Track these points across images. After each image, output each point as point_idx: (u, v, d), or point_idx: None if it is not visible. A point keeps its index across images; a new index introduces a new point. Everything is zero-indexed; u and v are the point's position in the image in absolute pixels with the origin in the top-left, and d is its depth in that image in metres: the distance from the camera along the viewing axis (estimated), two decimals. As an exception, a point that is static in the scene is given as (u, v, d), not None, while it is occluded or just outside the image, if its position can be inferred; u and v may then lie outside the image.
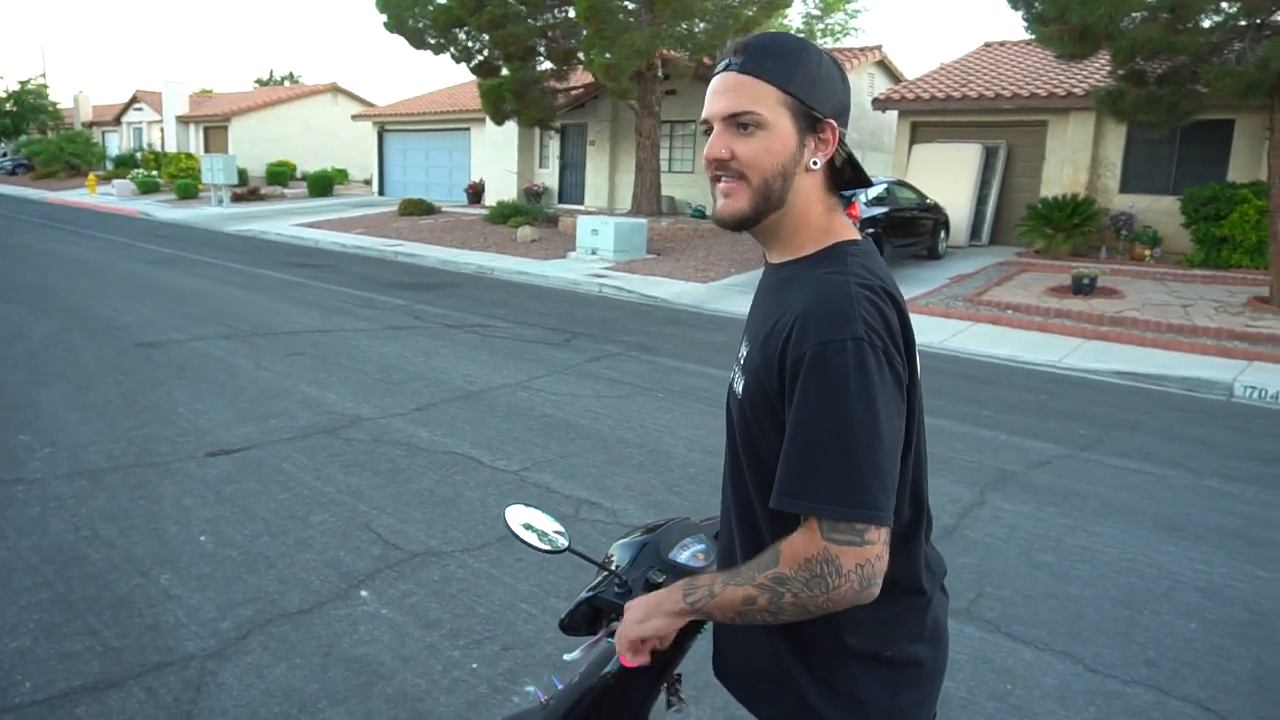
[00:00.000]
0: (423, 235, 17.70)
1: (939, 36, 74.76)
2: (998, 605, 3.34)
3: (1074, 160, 14.54)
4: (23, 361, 6.52)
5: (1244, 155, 13.27)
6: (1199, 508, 4.49)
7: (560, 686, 1.47)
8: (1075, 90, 14.15)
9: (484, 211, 20.58)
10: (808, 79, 1.13)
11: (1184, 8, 9.32)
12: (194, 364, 6.62)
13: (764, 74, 1.12)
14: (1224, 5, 9.60)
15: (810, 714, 1.18)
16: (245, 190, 26.06)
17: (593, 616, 1.39)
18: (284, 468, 4.51)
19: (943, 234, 14.05)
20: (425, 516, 3.98)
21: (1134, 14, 9.69)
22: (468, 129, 25.23)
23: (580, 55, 16.79)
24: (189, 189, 25.92)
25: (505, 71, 18.02)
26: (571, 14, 16.49)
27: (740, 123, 1.13)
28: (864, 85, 20.32)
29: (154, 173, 29.75)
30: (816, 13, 32.65)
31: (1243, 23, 9.63)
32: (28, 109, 41.84)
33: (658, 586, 1.34)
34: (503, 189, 23.43)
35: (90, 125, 43.04)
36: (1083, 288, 10.71)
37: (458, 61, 18.48)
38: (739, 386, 1.20)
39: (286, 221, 20.38)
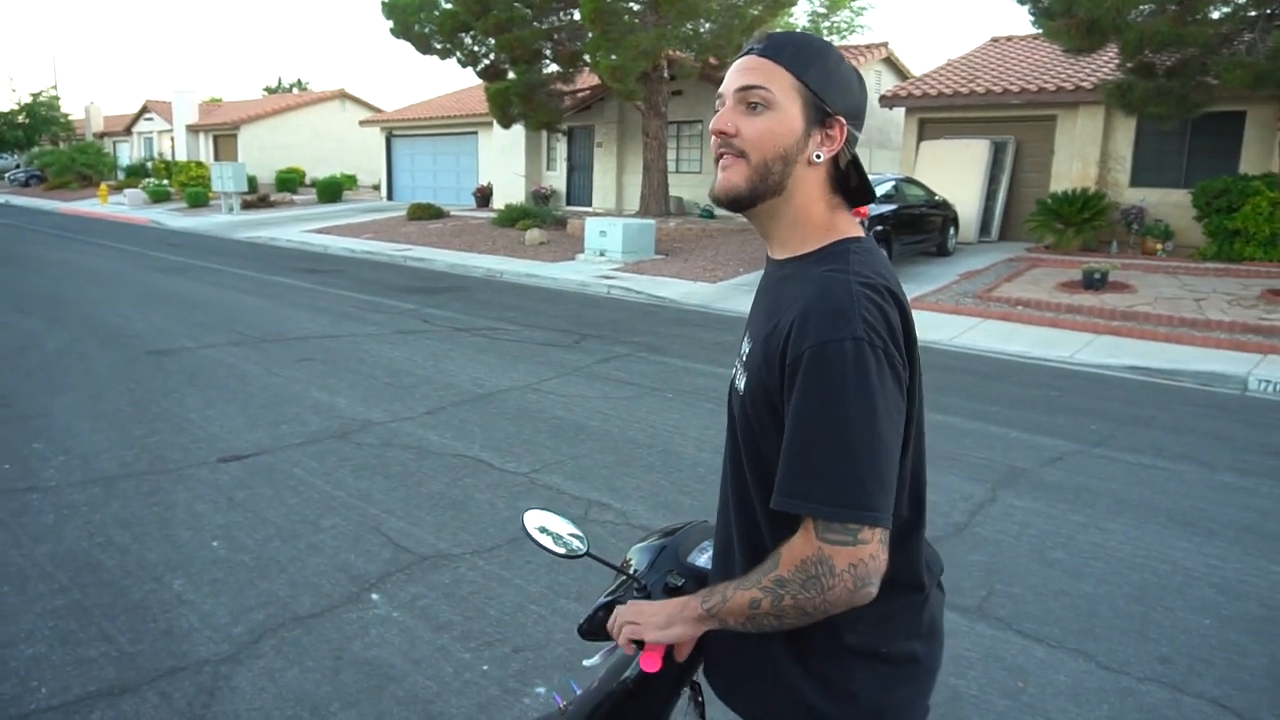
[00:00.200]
0: (431, 239, 17.77)
1: (945, 33, 74.54)
2: (1009, 603, 3.32)
3: (1083, 154, 14.45)
4: (36, 371, 6.58)
5: (1256, 147, 13.16)
6: (1213, 503, 4.46)
7: (579, 691, 1.47)
8: (1084, 84, 14.07)
9: (492, 215, 20.63)
10: (823, 72, 1.15)
11: (1192, -1, 9.28)
12: (205, 371, 6.67)
13: (781, 59, 1.14)
14: (1233, -4, 9.56)
15: (805, 709, 1.18)
16: (255, 197, 26.24)
17: None
18: (295, 473, 4.54)
19: (952, 230, 13.98)
20: (435, 519, 3.99)
21: (1142, 6, 9.64)
22: (475, 133, 25.31)
23: (586, 57, 16.83)
24: (199, 197, 26.11)
25: (511, 75, 18.08)
26: (577, 16, 16.51)
27: (750, 100, 1.14)
28: (871, 82, 20.27)
29: (165, 182, 30.00)
30: (822, 11, 32.54)
31: (1252, 13, 9.56)
32: (40, 121, 42.21)
33: (677, 590, 1.34)
34: (510, 192, 23.49)
35: (101, 136, 43.41)
36: (1094, 282, 10.64)
37: (464, 66, 18.57)
38: (741, 383, 1.20)
39: (296, 228, 20.49)
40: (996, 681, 2.79)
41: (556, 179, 23.87)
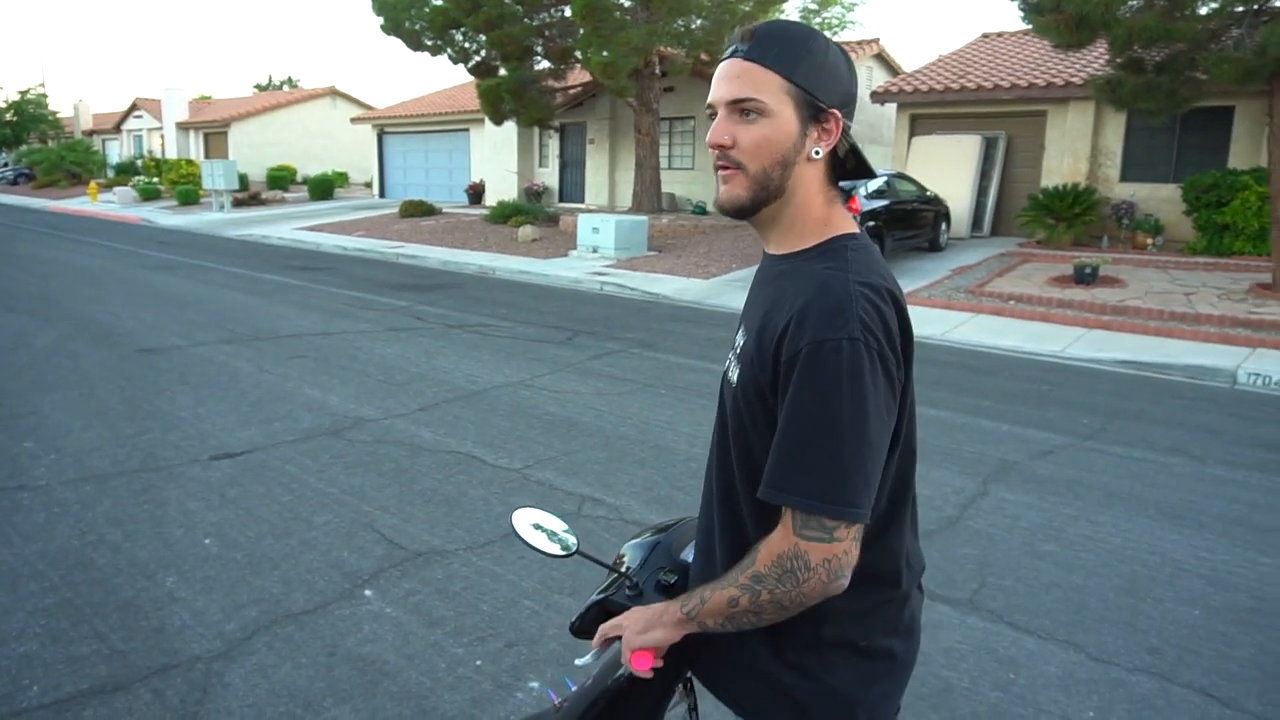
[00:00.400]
0: (424, 236, 17.72)
1: (936, 28, 74.64)
2: (1000, 595, 3.34)
3: (1074, 150, 14.50)
4: (26, 369, 6.54)
5: (1244, 142, 13.23)
6: (1202, 495, 4.49)
7: (574, 688, 1.47)
8: (1074, 80, 14.12)
9: (484, 212, 20.59)
10: (812, 68, 1.13)
11: (1180, -6, 9.30)
12: (196, 369, 6.64)
13: (769, 62, 1.12)
14: (1221, -9, 9.58)
15: (785, 700, 1.20)
16: (246, 195, 26.11)
17: (604, 619, 1.39)
18: (287, 470, 4.53)
19: (944, 226, 14.02)
20: (428, 516, 3.99)
21: (1130, 2, 9.66)
22: (467, 130, 25.24)
23: (577, 54, 16.79)
24: (190, 195, 25.98)
25: (503, 72, 18.03)
26: (568, 13, 16.49)
27: (743, 109, 1.13)
28: (862, 78, 20.28)
29: (155, 179, 29.84)
30: (814, 6, 32.56)
31: (1240, 9, 9.58)
32: (28, 119, 41.97)
33: (670, 587, 1.35)
34: (503, 189, 23.44)
35: (90, 133, 43.16)
36: (1085, 277, 10.69)
37: (455, 62, 18.49)
38: (733, 375, 1.21)
39: (288, 225, 20.41)
40: (988, 673, 2.81)
41: (549, 175, 23.84)
